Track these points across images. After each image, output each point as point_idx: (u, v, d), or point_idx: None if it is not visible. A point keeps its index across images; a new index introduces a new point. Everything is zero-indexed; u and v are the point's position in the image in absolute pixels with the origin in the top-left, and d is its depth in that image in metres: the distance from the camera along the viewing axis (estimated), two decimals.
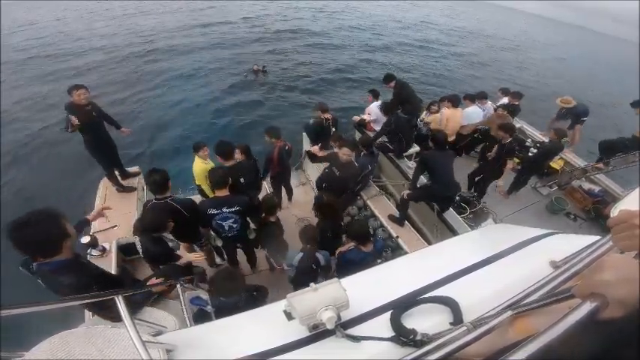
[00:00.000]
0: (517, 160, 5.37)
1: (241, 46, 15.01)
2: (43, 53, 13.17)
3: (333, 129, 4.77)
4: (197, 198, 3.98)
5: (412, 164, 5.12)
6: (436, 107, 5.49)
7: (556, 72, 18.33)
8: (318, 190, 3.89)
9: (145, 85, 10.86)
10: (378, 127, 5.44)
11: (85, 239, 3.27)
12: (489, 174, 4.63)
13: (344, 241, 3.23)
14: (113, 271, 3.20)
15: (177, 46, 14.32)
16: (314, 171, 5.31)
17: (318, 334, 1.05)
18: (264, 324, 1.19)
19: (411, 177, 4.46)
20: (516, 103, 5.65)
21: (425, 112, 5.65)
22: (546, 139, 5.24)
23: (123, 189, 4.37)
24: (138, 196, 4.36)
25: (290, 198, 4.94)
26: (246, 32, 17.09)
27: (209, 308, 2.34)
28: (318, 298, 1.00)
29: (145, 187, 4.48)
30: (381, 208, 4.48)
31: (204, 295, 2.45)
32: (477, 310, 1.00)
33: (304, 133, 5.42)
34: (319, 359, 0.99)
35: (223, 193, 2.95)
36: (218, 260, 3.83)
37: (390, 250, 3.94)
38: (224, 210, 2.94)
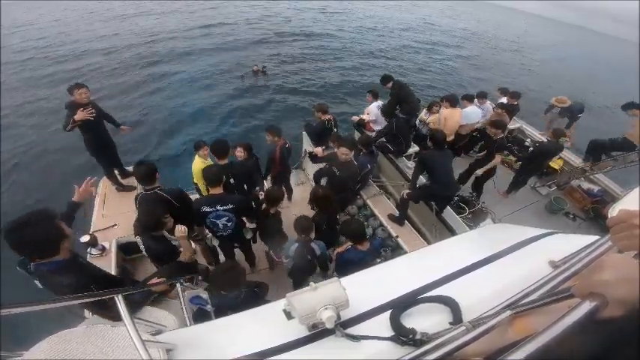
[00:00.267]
0: (514, 159, 5.39)
1: (242, 48, 14.98)
2: (41, 55, 13.14)
3: (335, 130, 4.78)
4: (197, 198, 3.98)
5: (411, 164, 5.13)
6: (437, 107, 5.50)
7: (556, 72, 18.34)
8: (316, 183, 3.89)
9: (146, 87, 10.85)
10: (377, 128, 5.44)
11: (85, 238, 3.26)
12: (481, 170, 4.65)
13: (342, 240, 3.24)
14: (113, 271, 3.20)
15: (177, 48, 14.30)
16: (314, 171, 5.31)
17: (317, 333, 1.05)
18: (264, 323, 1.19)
19: (410, 177, 4.46)
20: (515, 102, 5.66)
21: (425, 113, 5.65)
22: (545, 139, 5.26)
23: (122, 188, 4.37)
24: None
25: (290, 197, 4.94)
26: (247, 34, 17.05)
27: (209, 307, 2.34)
28: (318, 298, 1.00)
29: None
30: (380, 207, 4.48)
31: (204, 295, 2.44)
32: (477, 309, 1.01)
33: (304, 133, 5.42)
34: (319, 359, 0.99)
35: (217, 191, 2.95)
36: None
37: (389, 249, 3.94)
38: (218, 208, 2.94)
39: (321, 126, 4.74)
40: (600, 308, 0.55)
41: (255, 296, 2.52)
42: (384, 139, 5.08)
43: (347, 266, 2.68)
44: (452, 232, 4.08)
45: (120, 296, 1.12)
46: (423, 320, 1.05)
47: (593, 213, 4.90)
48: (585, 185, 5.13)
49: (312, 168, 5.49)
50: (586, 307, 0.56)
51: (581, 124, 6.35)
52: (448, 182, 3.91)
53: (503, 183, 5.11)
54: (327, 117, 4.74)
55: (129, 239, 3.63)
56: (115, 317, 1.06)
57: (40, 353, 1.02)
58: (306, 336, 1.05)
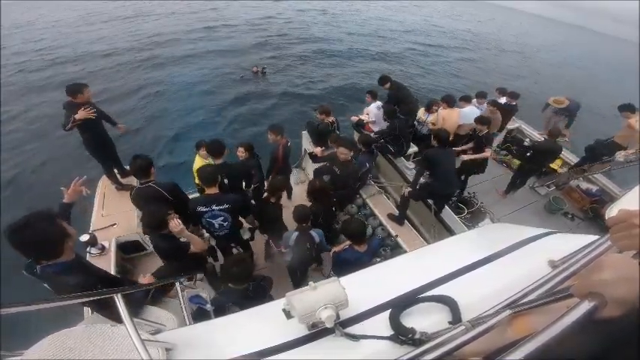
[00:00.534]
0: (516, 161, 5.39)
1: (243, 50, 14.96)
2: (39, 56, 13.10)
3: (337, 132, 4.79)
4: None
5: (410, 164, 5.14)
6: (436, 107, 5.50)
7: (556, 72, 18.34)
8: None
9: (147, 89, 10.83)
10: (376, 128, 5.43)
11: (84, 237, 3.25)
12: (472, 166, 4.73)
13: (342, 239, 3.25)
14: (112, 270, 3.19)
15: (178, 51, 14.26)
16: (313, 169, 5.32)
17: (317, 332, 1.05)
18: (263, 322, 1.19)
19: (409, 178, 4.47)
20: (514, 103, 5.66)
21: (423, 113, 5.65)
22: (543, 139, 5.26)
23: (122, 187, 4.36)
24: None
25: (289, 196, 4.94)
26: (248, 36, 17.02)
27: (208, 307, 2.35)
28: (317, 297, 1.00)
29: None
30: (380, 206, 4.48)
31: (204, 294, 2.45)
32: (476, 309, 1.01)
33: (304, 132, 5.42)
34: (318, 358, 0.99)
35: (213, 190, 2.95)
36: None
37: (389, 248, 3.95)
38: (213, 207, 2.94)
39: (325, 128, 4.76)
40: (599, 308, 0.55)
41: (262, 290, 2.52)
42: (385, 140, 5.09)
43: (343, 266, 2.70)
44: (451, 233, 4.09)
45: (119, 295, 1.12)
46: (423, 320, 1.05)
47: (591, 213, 4.91)
48: (584, 185, 5.13)
49: (312, 167, 5.49)
50: (585, 306, 0.56)
51: (582, 124, 6.35)
52: (450, 180, 3.95)
53: (502, 183, 5.11)
54: (331, 119, 4.75)
55: (128, 238, 3.62)
56: (116, 317, 1.06)
57: (40, 352, 1.01)
58: (306, 335, 1.05)
